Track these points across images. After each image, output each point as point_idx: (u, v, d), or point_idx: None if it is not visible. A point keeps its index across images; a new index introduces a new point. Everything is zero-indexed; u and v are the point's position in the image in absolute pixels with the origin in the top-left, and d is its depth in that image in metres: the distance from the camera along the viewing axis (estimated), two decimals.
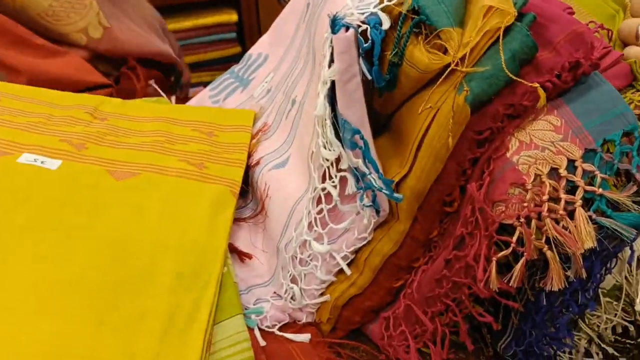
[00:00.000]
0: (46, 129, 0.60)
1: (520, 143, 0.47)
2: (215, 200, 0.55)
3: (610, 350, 0.54)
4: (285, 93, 0.68)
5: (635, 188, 0.46)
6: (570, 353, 0.55)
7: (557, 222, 0.45)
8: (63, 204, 0.51)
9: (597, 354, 0.54)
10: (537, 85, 0.45)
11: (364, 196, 0.50)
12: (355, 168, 0.49)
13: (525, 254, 0.44)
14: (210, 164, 0.61)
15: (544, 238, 0.45)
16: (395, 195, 0.47)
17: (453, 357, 0.55)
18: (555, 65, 0.46)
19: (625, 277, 0.50)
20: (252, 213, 0.62)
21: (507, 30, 0.46)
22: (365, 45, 0.46)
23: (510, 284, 0.45)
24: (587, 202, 0.46)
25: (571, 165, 0.46)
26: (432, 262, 0.52)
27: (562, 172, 0.45)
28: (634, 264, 0.51)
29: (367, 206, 0.50)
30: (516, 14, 0.45)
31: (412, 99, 0.50)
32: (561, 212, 0.45)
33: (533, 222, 0.44)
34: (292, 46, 0.73)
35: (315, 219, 0.53)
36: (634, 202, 0.46)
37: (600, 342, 0.53)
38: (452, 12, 0.47)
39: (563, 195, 0.45)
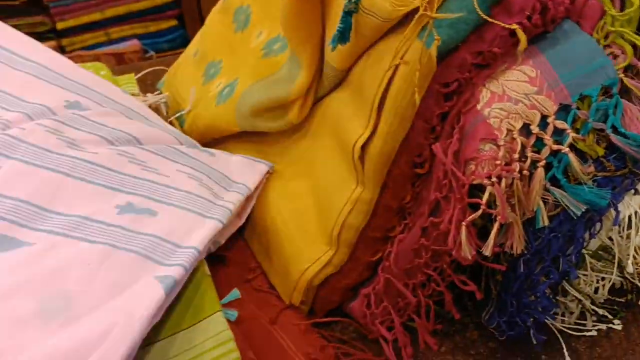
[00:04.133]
0: None
1: (492, 94, 0.43)
2: None
3: (601, 311, 0.51)
4: None
5: (592, 167, 0.43)
6: (562, 315, 0.52)
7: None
8: None
9: (591, 314, 0.51)
10: (515, 26, 0.41)
11: None
12: None
13: (499, 217, 0.41)
14: None
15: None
16: None
17: (441, 327, 0.52)
18: (526, 5, 0.42)
19: (610, 238, 0.47)
20: None
21: None
22: None
23: (484, 252, 0.42)
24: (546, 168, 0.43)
25: (543, 121, 0.43)
26: (409, 231, 0.49)
27: (534, 128, 0.42)
28: (625, 224, 0.48)
29: None
30: None
31: (369, 50, 0.46)
32: (525, 171, 0.42)
33: (503, 182, 0.41)
34: None
35: None
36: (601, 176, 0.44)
37: (591, 304, 0.50)
38: None
39: (530, 154, 0.42)
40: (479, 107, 0.43)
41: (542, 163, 0.42)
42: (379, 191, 0.48)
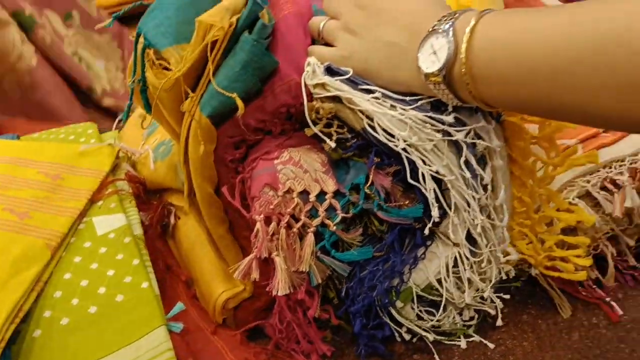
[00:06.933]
0: None
1: (290, 158, 0.52)
2: (22, 255, 0.54)
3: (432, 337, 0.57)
4: None
5: (360, 230, 0.52)
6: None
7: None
8: None
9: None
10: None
11: None
12: None
13: (255, 250, 0.48)
14: (36, 212, 0.60)
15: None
16: None
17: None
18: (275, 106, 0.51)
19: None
20: None
21: (237, 42, 0.49)
22: None
23: (253, 279, 0.49)
24: (318, 238, 0.51)
25: (322, 196, 0.51)
26: None
27: (312, 197, 0.51)
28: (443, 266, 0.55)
29: None
30: (232, 26, 0.48)
31: None
32: (295, 230, 0.50)
33: (273, 225, 0.49)
34: None
35: None
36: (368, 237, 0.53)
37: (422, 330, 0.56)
38: (173, 32, 0.50)
39: (303, 218, 0.51)
40: (276, 161, 0.52)
41: (313, 229, 0.50)
42: (228, 227, 0.57)
